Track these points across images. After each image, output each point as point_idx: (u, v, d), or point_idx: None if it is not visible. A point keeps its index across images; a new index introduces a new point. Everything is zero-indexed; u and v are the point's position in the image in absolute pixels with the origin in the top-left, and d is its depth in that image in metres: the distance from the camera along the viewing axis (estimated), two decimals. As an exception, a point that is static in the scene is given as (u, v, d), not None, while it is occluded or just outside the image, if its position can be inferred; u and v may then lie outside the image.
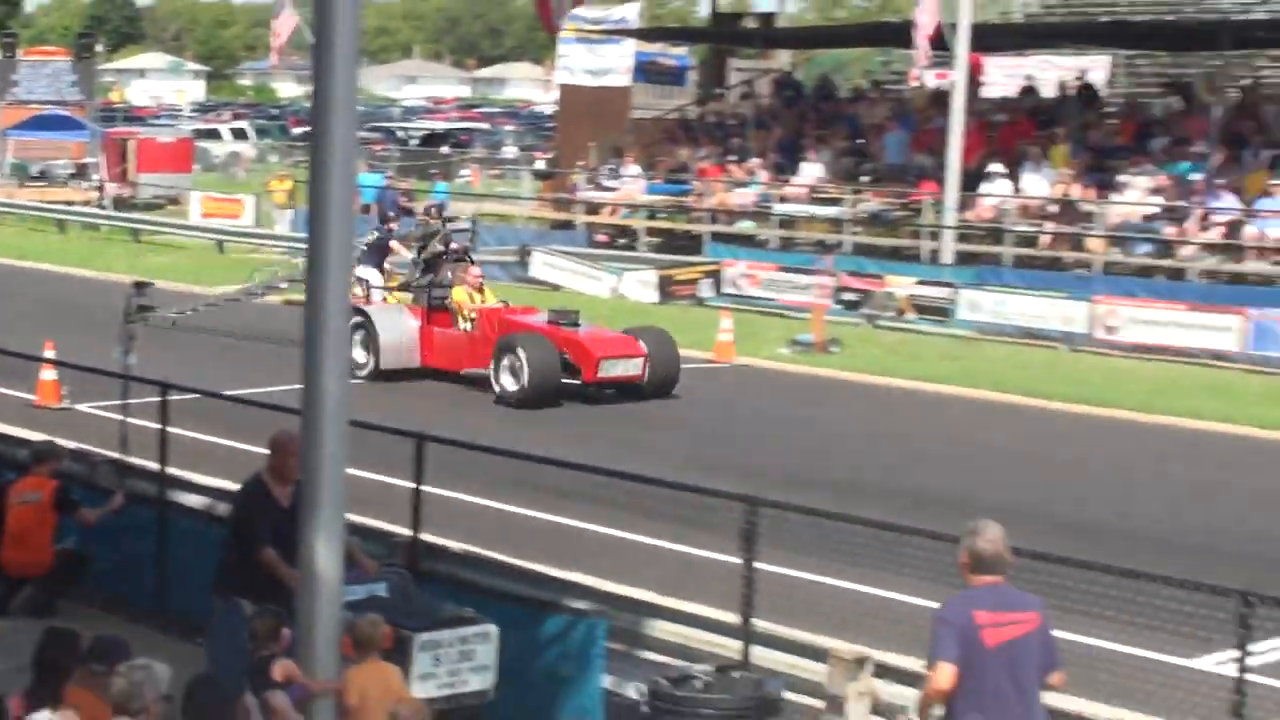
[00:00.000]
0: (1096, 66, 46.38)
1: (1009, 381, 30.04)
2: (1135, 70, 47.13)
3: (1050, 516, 19.20)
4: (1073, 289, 36.16)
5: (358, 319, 27.53)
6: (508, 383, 26.59)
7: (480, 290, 28.97)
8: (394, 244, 31.98)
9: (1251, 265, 36.33)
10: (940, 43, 39.57)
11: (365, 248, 31.19)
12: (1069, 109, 44.01)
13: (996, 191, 40.55)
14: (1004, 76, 46.56)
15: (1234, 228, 36.88)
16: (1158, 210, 38.34)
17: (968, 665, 9.10)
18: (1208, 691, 11.02)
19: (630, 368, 26.99)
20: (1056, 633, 9.96)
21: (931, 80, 43.54)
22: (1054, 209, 39.89)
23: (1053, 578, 11.04)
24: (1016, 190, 40.53)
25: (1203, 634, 11.61)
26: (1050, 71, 45.97)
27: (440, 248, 30.19)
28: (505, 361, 26.51)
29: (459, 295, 28.69)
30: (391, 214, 36.80)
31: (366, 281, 30.49)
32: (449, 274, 29.60)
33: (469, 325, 28.29)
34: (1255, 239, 36.40)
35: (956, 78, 39.62)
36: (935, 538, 10.51)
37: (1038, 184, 40.41)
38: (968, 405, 28.52)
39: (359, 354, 27.99)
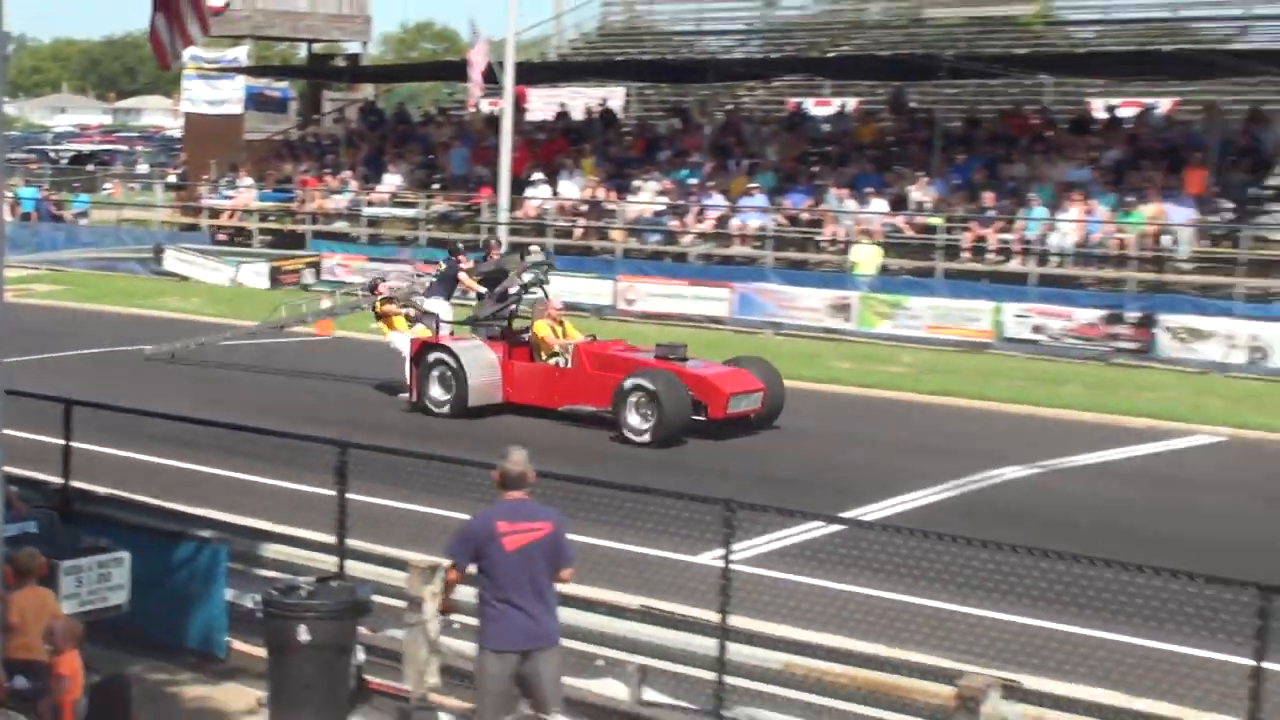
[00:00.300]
0: (615, 95, 47.17)
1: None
2: (645, 98, 48.05)
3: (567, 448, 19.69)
4: (600, 270, 36.98)
5: (438, 355, 22.82)
6: (636, 421, 20.84)
7: (560, 323, 23.20)
8: (463, 276, 24.87)
9: (736, 249, 37.64)
10: (492, 77, 39.90)
11: (434, 278, 25.22)
12: (594, 129, 44.91)
13: (539, 195, 41.19)
14: (543, 104, 47.07)
15: (722, 220, 38.11)
16: (664, 207, 39.40)
17: (491, 563, 9.30)
18: (706, 579, 11.26)
19: (752, 402, 21.66)
20: (579, 538, 10.24)
21: (486, 107, 43.89)
22: (585, 208, 40.64)
23: (572, 493, 11.45)
24: (555, 194, 41.25)
25: (698, 535, 12.14)
26: (579, 99, 46.68)
27: (519, 281, 24.27)
28: (633, 399, 20.82)
29: (542, 329, 22.92)
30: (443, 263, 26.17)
31: (436, 316, 24.23)
32: (524, 307, 24.29)
33: (563, 360, 22.60)
34: (738, 229, 37.79)
35: (505, 105, 39.92)
36: (484, 467, 10.72)
37: (571, 189, 41.26)
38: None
39: (438, 391, 22.79)
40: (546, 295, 24.06)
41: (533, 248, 27.47)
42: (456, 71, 42.54)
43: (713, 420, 20.96)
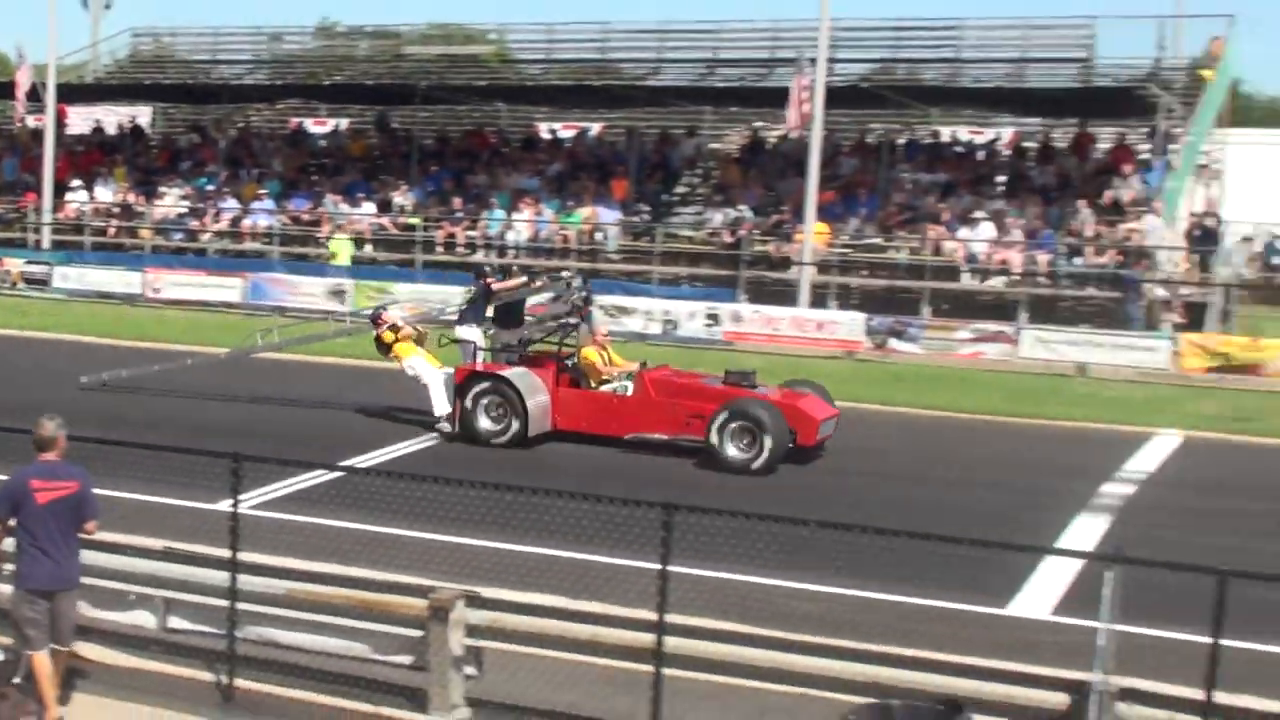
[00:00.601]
0: (143, 114, 45.32)
1: (90, 328, 28.89)
2: (169, 116, 46.16)
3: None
4: (131, 264, 35.40)
5: (489, 383, 18.30)
6: (734, 451, 17.08)
7: (605, 349, 19.22)
8: (497, 289, 20.07)
9: (248, 245, 36.67)
10: (36, 96, 37.89)
11: (464, 305, 20.07)
12: (125, 142, 42.86)
13: (78, 199, 39.12)
14: (81, 120, 44.62)
15: (236, 221, 37.07)
16: (186, 210, 38.00)
17: (26, 515, 9.05)
18: (221, 521, 10.84)
19: (831, 427, 18.04)
20: (113, 492, 9.99)
21: (32, 122, 41.32)
22: (117, 210, 38.82)
23: (105, 453, 10.84)
24: (92, 198, 39.22)
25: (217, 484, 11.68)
26: (112, 117, 44.67)
27: (566, 308, 20.06)
28: (731, 429, 17.09)
29: (592, 355, 18.91)
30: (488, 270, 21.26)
31: (473, 344, 19.48)
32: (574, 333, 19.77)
33: (619, 386, 18.47)
34: (250, 228, 36.83)
35: (48, 121, 38.01)
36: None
37: (106, 194, 39.38)
38: (69, 347, 26.96)
39: (487, 422, 18.26)
40: (589, 321, 19.84)
41: (564, 272, 22.50)
42: (6, 91, 39.98)
43: (802, 447, 17.48)
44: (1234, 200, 35.91)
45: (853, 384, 22.64)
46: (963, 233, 30.51)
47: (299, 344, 22.25)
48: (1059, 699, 8.07)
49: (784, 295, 30.13)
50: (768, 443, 16.87)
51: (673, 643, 8.56)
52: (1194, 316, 27.81)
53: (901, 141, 35.40)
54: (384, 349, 19.53)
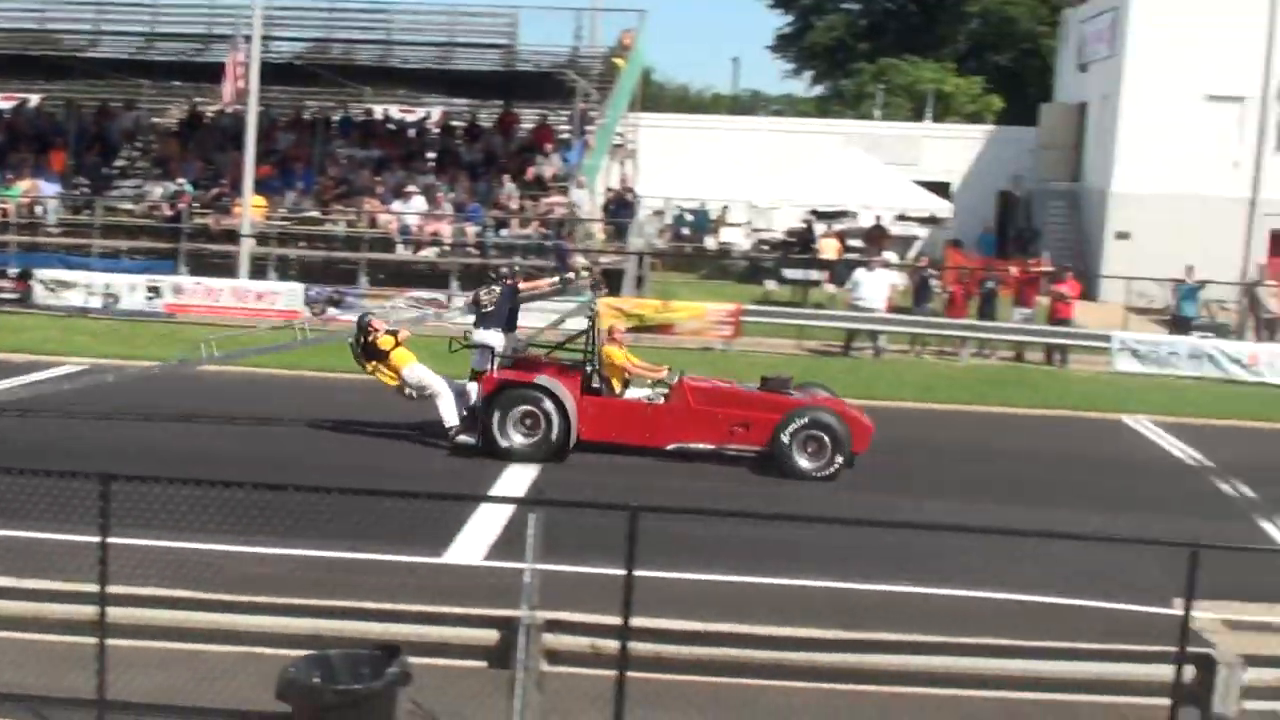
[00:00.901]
0: None
1: None
2: None
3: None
4: None
5: (526, 392, 16.25)
6: (805, 462, 15.95)
7: (622, 346, 17.30)
8: (524, 289, 17.87)
9: None
10: None
11: (487, 308, 17.23)
12: None
13: None
14: None
15: None
16: None
17: None
18: None
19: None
20: None
21: None
22: None
23: None
24: None
25: None
26: None
27: (583, 309, 17.78)
28: (801, 437, 15.91)
29: (618, 356, 16.95)
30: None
31: (491, 350, 16.90)
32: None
33: (655, 394, 16.75)
34: None
35: None
36: None
37: None
38: None
39: (518, 434, 16.26)
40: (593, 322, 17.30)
41: (574, 274, 19.54)
42: None
43: (855, 454, 16.27)
44: (647, 177, 38.13)
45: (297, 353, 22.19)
46: (396, 206, 30.88)
47: (246, 356, 19.52)
48: (490, 635, 8.41)
49: (225, 267, 29.50)
50: (839, 452, 15.98)
51: (116, 613, 8.29)
52: (612, 282, 29.29)
53: (337, 118, 35.60)
54: (374, 357, 17.06)
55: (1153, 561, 11.80)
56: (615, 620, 8.13)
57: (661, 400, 16.67)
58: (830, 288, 31.85)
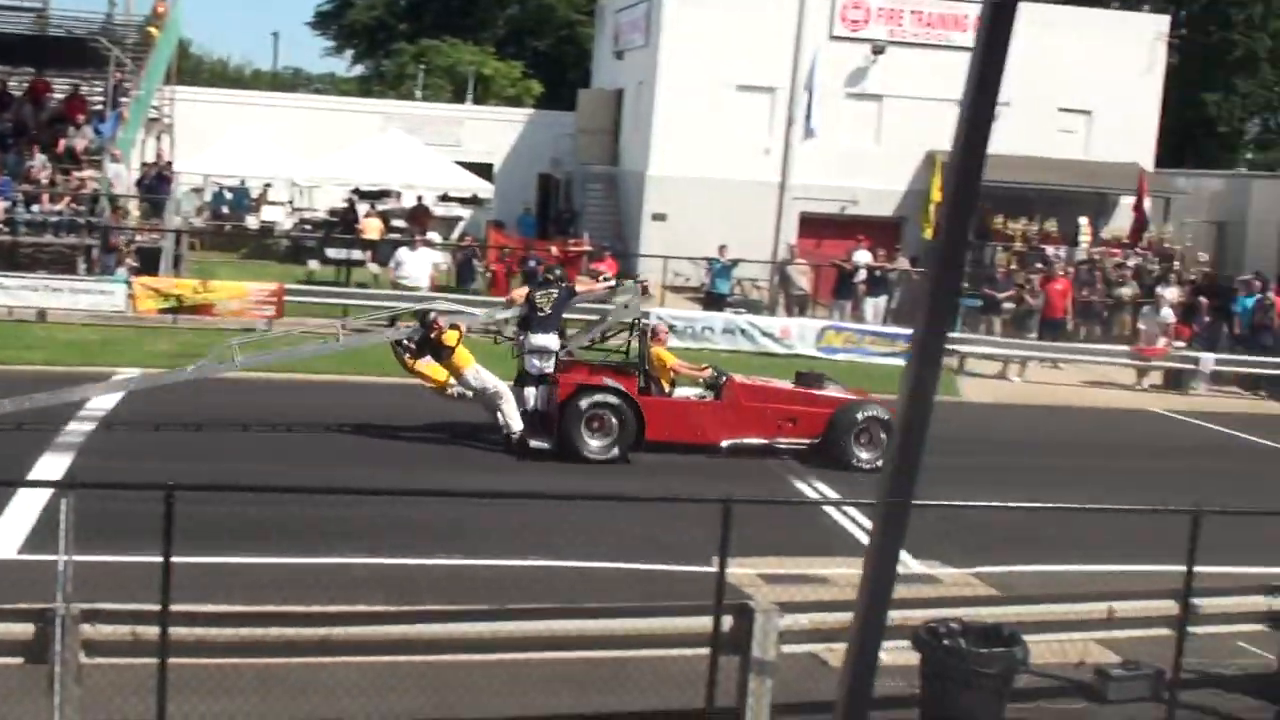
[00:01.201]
0: None
1: None
2: None
3: None
4: None
5: (600, 396, 16.51)
6: (865, 455, 17.07)
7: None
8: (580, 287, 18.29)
9: None
10: None
11: (542, 310, 16.82)
12: None
13: None
14: None
15: None
16: None
17: None
18: None
19: None
20: None
21: None
22: None
23: None
24: None
25: None
26: None
27: (632, 312, 17.69)
28: (859, 429, 17.18)
29: (668, 357, 17.78)
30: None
31: (553, 353, 16.77)
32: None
33: (709, 393, 17.49)
34: None
35: None
36: None
37: None
38: None
39: (593, 437, 16.51)
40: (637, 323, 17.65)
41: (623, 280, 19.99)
42: None
43: None
44: (185, 153, 36.62)
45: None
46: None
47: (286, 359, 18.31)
48: (25, 630, 7.91)
49: None
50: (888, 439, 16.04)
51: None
52: (147, 261, 28.03)
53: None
54: (434, 354, 16.92)
55: (696, 525, 12.39)
56: (155, 607, 7.80)
57: (711, 398, 17.47)
58: (374, 267, 31.65)
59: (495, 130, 46.00)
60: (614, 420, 16.55)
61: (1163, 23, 41.32)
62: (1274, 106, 61.28)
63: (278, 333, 21.06)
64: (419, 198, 37.49)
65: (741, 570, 11.41)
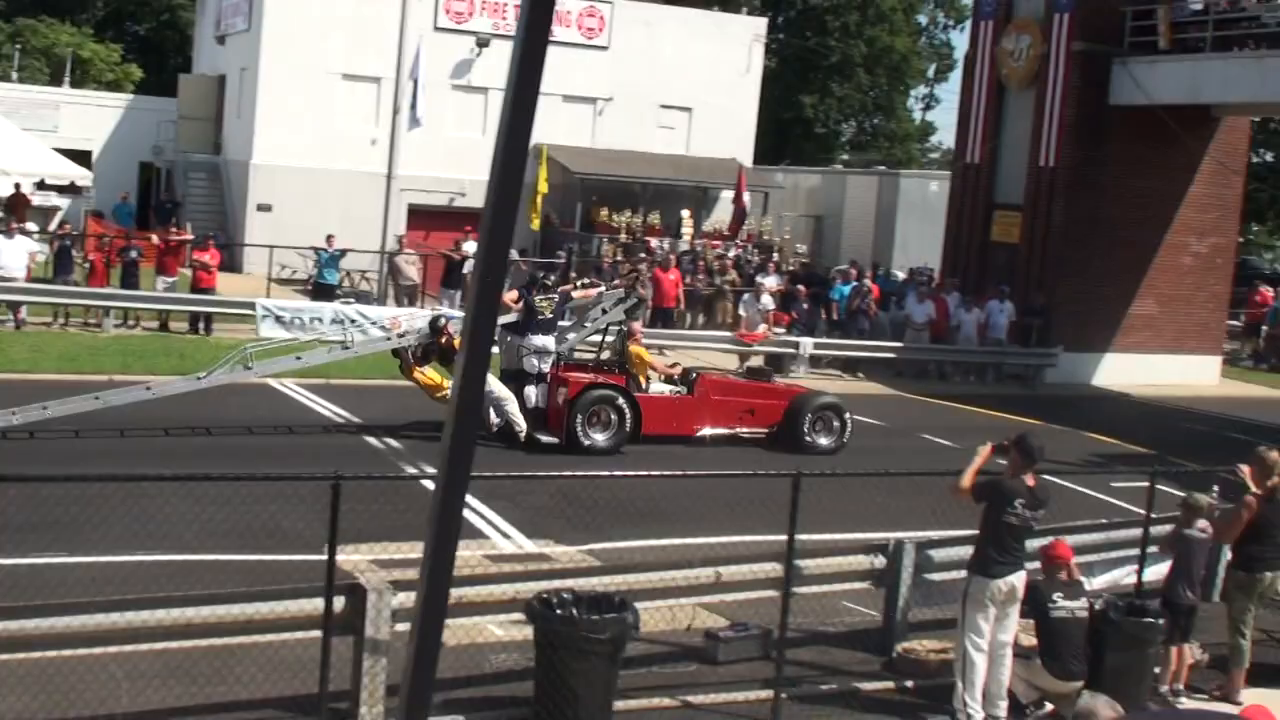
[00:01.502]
0: None
1: None
2: None
3: None
4: None
5: (605, 393, 17.84)
6: (823, 440, 19.05)
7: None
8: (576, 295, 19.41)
9: None
10: None
11: (542, 314, 17.95)
12: None
13: None
14: None
15: None
16: None
17: None
18: None
19: None
20: None
21: None
22: None
23: None
24: None
25: None
26: None
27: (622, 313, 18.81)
28: (818, 417, 19.14)
29: (645, 354, 18.73)
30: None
31: (552, 353, 18.08)
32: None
33: (682, 388, 18.82)
34: None
35: None
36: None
37: None
38: None
39: (598, 431, 17.83)
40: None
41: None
42: None
43: None
44: None
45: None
46: None
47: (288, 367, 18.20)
48: None
49: None
50: (848, 427, 19.20)
51: None
52: None
53: None
54: (443, 359, 17.65)
55: (312, 516, 12.05)
56: None
57: (686, 393, 18.89)
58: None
59: (94, 116, 43.93)
60: (614, 416, 17.93)
61: (760, 26, 43.21)
62: (868, 110, 65.18)
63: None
64: (16, 185, 35.15)
65: (357, 556, 11.20)
